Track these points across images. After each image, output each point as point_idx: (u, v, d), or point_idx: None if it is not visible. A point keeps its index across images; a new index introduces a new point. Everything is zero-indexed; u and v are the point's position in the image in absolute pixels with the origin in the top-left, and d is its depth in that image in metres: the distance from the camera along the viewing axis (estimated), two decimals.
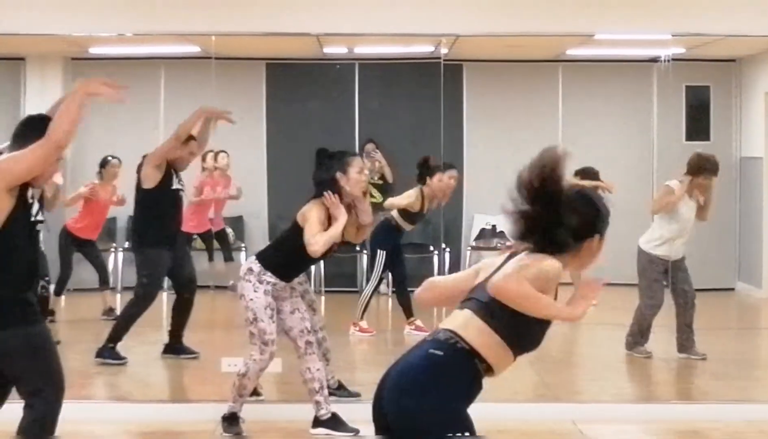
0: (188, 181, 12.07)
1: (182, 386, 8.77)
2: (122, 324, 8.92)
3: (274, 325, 6.72)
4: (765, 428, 7.32)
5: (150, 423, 7.32)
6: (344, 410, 6.90)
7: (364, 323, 10.29)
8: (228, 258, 12.26)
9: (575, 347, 10.69)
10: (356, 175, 6.78)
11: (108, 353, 8.87)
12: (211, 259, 12.30)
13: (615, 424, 7.45)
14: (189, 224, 11.81)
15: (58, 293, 10.76)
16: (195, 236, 12.02)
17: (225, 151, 12.02)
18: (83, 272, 10.87)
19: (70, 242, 10.71)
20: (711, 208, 9.22)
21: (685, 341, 9.16)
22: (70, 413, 7.21)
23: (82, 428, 7.19)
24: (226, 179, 12.17)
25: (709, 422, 7.36)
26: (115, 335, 8.89)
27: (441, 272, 11.83)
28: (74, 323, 10.82)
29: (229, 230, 12.47)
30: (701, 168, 9.16)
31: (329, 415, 6.78)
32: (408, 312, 10.30)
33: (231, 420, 6.87)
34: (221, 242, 12.21)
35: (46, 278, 9.60)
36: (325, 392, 6.82)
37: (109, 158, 10.92)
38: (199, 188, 11.71)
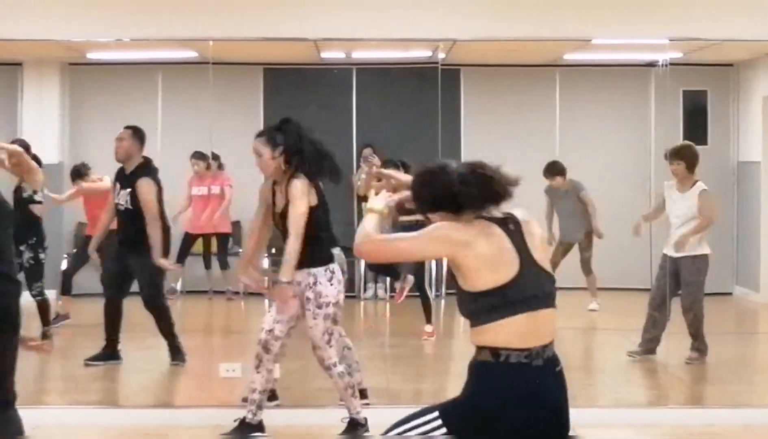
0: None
1: (180, 391, 8.76)
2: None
3: (267, 315, 6.73)
4: (763, 433, 7.31)
5: (147, 428, 7.30)
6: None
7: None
8: (223, 265, 12.25)
9: (574, 351, 10.67)
10: None
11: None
12: (207, 267, 12.28)
13: (614, 429, 7.44)
14: (191, 225, 11.93)
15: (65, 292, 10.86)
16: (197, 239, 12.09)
17: (194, 156, 12.02)
18: (84, 277, 10.84)
19: (79, 243, 10.79)
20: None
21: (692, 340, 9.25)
22: (68, 418, 7.27)
23: (79, 433, 7.20)
24: (212, 177, 12.14)
25: (708, 427, 7.35)
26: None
27: (439, 275, 11.86)
28: (74, 328, 10.80)
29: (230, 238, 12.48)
30: (666, 158, 9.31)
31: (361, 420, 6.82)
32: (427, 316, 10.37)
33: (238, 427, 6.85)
34: (219, 246, 12.21)
35: (38, 284, 9.62)
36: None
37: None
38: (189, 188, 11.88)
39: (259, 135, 6.76)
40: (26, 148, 9.66)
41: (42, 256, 9.66)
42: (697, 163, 9.22)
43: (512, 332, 3.81)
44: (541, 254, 3.94)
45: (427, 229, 3.92)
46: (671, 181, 9.29)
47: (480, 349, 3.85)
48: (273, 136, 6.67)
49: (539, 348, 3.83)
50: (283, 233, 6.66)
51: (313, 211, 6.61)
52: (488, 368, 3.81)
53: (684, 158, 9.18)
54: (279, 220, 6.71)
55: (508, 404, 3.78)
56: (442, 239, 3.86)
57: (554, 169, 11.79)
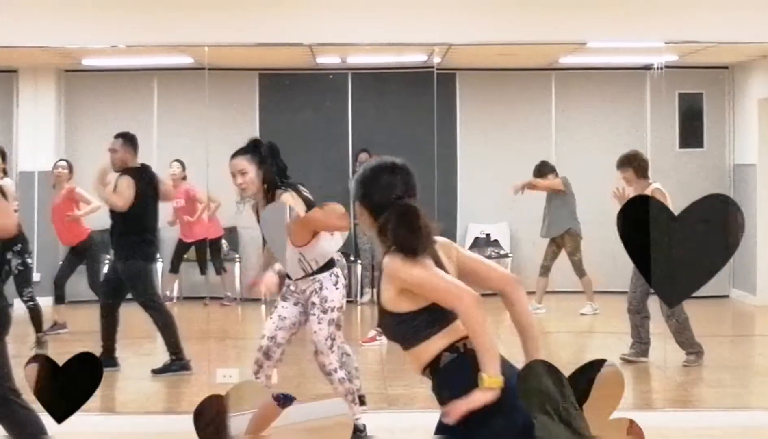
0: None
1: (177, 397, 8.75)
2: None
3: (269, 322, 6.81)
4: (761, 435, 7.32)
5: (144, 435, 7.30)
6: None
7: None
8: (219, 270, 12.23)
9: (568, 354, 10.67)
10: None
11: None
12: (203, 272, 12.26)
13: None
14: (182, 233, 11.90)
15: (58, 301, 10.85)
16: (192, 246, 12.09)
17: (177, 161, 11.89)
18: (78, 284, 10.83)
19: (66, 251, 10.78)
20: None
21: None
22: (65, 426, 7.24)
23: None
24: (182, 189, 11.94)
25: (705, 430, 7.36)
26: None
27: None
28: (69, 334, 10.79)
29: (224, 241, 12.47)
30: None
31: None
32: None
33: None
34: (213, 252, 12.19)
35: (29, 290, 9.62)
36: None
37: (57, 162, 10.86)
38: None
39: (241, 153, 6.79)
40: (2, 155, 9.67)
41: (29, 261, 9.62)
42: (647, 168, 9.30)
43: (453, 328, 3.84)
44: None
45: (430, 273, 3.81)
46: (629, 188, 9.31)
47: (434, 359, 3.87)
48: (254, 153, 6.80)
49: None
50: None
51: None
52: (458, 362, 3.82)
53: (632, 165, 9.29)
54: None
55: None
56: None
57: (544, 169, 11.84)
